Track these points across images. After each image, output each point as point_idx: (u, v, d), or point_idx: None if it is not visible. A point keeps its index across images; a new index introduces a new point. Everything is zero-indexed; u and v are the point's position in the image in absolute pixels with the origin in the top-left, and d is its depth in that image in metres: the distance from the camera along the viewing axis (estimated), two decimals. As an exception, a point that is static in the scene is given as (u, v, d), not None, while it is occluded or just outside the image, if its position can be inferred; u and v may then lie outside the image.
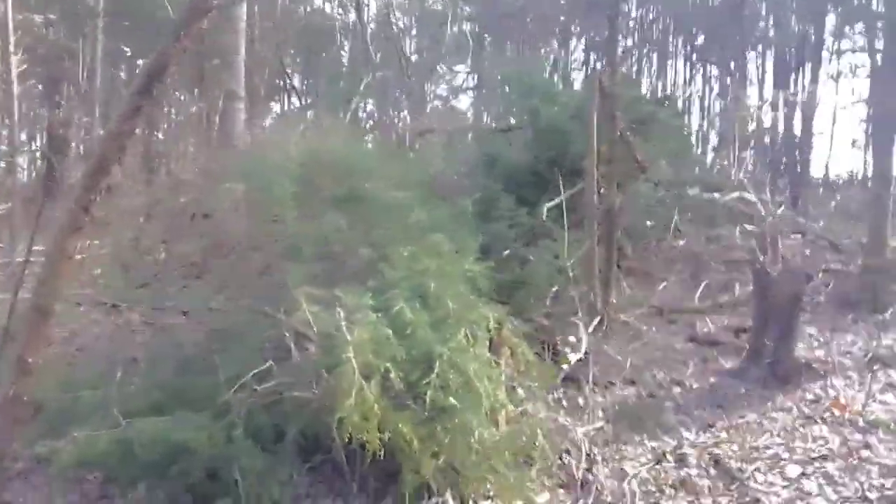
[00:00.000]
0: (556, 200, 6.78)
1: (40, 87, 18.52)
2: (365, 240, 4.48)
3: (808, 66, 14.65)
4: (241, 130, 9.63)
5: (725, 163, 7.49)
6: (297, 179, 4.70)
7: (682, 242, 7.68)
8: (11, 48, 11.38)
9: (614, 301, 6.36)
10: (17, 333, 3.53)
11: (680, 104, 14.75)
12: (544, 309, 6.31)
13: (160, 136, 14.95)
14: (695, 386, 5.16)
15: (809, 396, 4.81)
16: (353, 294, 3.63)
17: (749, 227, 5.51)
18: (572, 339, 5.45)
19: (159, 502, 3.26)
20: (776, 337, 5.03)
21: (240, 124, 9.66)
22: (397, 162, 5.98)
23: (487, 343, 4.04)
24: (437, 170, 7.06)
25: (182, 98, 16.02)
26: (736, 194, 6.36)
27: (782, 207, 5.78)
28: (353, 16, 17.15)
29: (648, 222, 7.04)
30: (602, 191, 6.29)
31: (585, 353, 5.45)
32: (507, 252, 6.12)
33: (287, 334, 3.43)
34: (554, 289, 6.44)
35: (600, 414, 4.70)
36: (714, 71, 18.40)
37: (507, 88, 8.30)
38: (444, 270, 4.07)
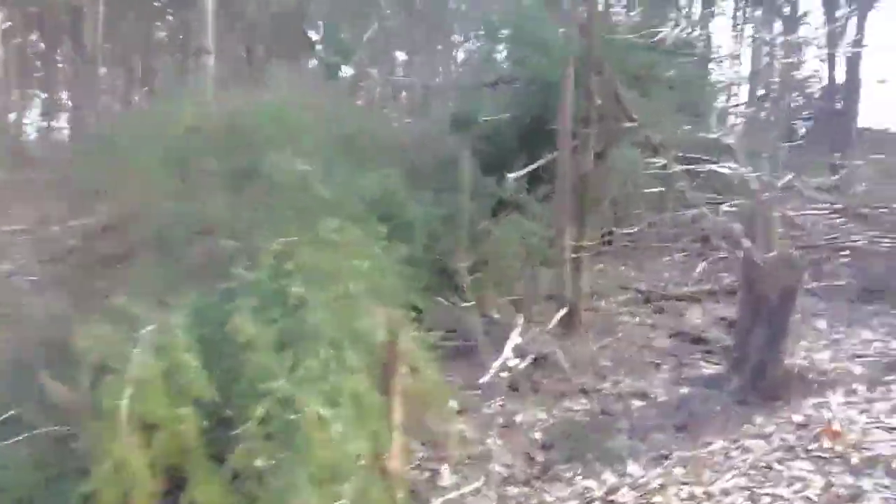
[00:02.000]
0: (529, 168, 5.89)
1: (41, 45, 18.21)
2: (247, 225, 3.74)
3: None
4: (209, 88, 8.90)
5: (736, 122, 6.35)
6: (177, 150, 3.97)
7: (685, 216, 6.66)
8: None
9: (586, 287, 5.48)
10: None
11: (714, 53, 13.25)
12: (507, 298, 5.55)
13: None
14: (661, 399, 4.30)
15: (797, 418, 3.89)
16: (182, 301, 2.91)
17: (731, 204, 4.57)
18: (517, 337, 4.64)
19: None
20: (763, 340, 4.11)
21: (209, 81, 8.92)
22: (326, 125, 5.13)
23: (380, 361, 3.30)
24: (392, 132, 6.20)
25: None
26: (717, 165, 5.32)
27: (786, 178, 4.73)
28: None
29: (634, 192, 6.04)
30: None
31: (536, 356, 4.68)
32: (458, 232, 5.31)
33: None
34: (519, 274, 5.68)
35: (537, 437, 3.92)
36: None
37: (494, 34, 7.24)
38: (332, 266, 3.30)
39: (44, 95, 20.31)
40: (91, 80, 16.23)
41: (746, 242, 4.11)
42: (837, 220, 7.01)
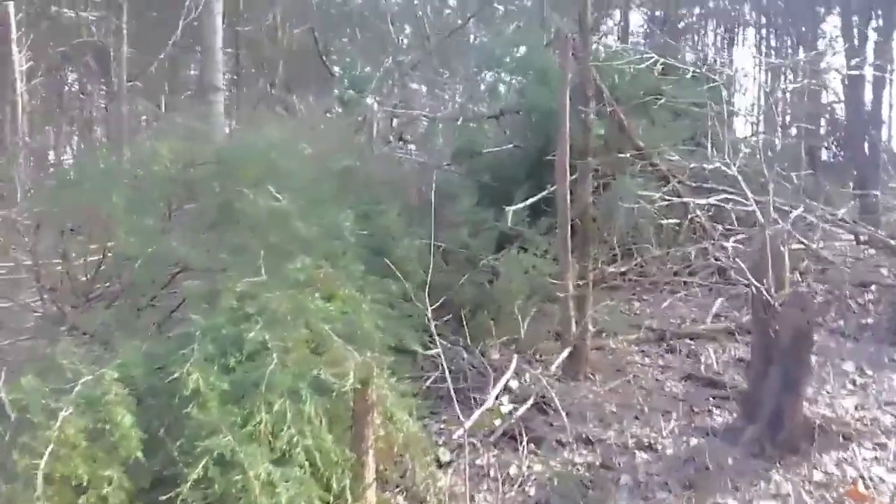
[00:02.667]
0: (529, 201, 5.64)
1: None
2: (218, 265, 3.53)
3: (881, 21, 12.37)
4: (221, 126, 8.86)
5: (748, 149, 6.00)
6: (153, 188, 3.80)
7: (699, 249, 6.30)
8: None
9: (593, 325, 5.15)
10: None
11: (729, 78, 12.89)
12: (505, 337, 5.24)
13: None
14: (669, 451, 3.93)
15: (818, 476, 3.52)
16: (130, 349, 2.69)
17: (735, 239, 4.21)
18: (512, 379, 4.33)
19: None
20: (778, 386, 3.75)
21: (220, 118, 8.88)
22: (317, 161, 4.93)
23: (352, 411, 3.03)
24: (391, 165, 6.00)
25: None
26: (721, 196, 4.97)
27: (797, 211, 4.37)
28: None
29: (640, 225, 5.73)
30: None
31: (536, 400, 4.36)
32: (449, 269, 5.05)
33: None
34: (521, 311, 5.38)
35: (531, 493, 3.59)
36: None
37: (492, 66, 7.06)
38: (296, 308, 3.06)
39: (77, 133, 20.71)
40: (118, 116, 16.49)
41: (755, 280, 3.77)
42: (864, 253, 6.59)
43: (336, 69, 17.29)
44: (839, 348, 5.03)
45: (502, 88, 7.04)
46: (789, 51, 15.65)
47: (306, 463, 2.61)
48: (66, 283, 3.75)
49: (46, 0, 15.07)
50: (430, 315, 3.31)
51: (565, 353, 4.91)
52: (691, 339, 5.66)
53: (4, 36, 10.35)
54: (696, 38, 22.89)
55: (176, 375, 2.55)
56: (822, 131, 11.94)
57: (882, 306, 5.69)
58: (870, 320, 5.49)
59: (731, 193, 5.03)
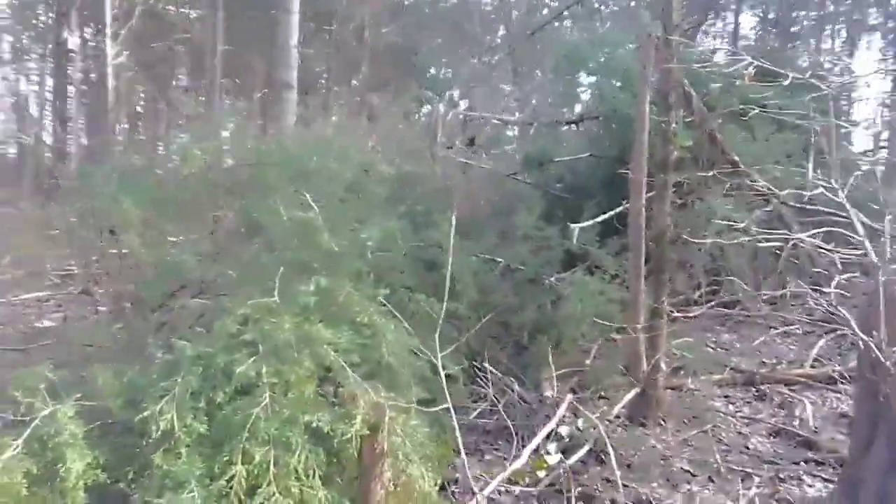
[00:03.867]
0: (600, 218, 5.04)
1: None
2: (231, 282, 3.20)
3: None
4: (292, 123, 8.73)
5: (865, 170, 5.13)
6: (174, 194, 3.53)
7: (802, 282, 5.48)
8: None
9: (668, 363, 4.51)
10: None
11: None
12: (565, 369, 4.69)
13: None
14: (744, 528, 3.29)
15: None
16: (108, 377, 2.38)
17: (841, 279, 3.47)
18: (561, 426, 3.79)
19: None
20: (886, 465, 3.02)
21: (291, 117, 8.76)
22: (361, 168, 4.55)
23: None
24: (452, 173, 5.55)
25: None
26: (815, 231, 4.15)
27: None
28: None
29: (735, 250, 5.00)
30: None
31: (591, 448, 3.80)
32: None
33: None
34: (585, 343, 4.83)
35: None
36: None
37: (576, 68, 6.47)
38: (300, 337, 2.69)
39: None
40: (209, 113, 16.98)
41: (862, 331, 3.07)
42: None
43: (431, 69, 17.11)
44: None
45: (583, 93, 6.46)
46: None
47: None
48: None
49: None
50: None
51: (631, 395, 4.31)
52: (787, 384, 4.90)
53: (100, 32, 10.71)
54: (813, 42, 21.25)
55: (146, 413, 2.21)
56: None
57: None
58: None
59: (838, 221, 4.25)
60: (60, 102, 14.55)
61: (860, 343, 3.08)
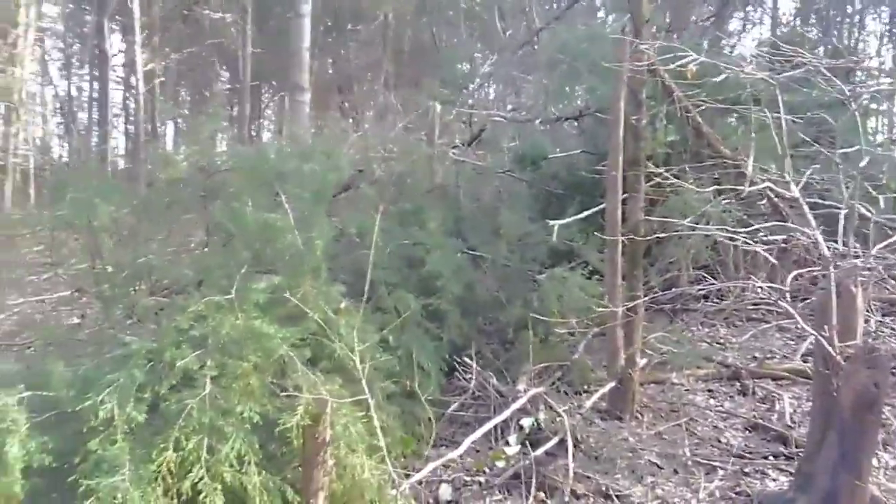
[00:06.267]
0: (582, 214, 5.06)
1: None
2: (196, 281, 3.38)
3: None
4: (306, 125, 8.95)
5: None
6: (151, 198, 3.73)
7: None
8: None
9: (638, 357, 4.51)
10: None
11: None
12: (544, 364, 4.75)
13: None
14: (699, 522, 3.32)
15: (881, 579, 2.79)
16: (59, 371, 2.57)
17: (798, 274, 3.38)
18: (524, 419, 3.86)
19: None
20: (835, 459, 3.02)
21: (304, 119, 8.97)
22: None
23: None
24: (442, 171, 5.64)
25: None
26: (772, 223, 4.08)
27: (880, 246, 3.42)
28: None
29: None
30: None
31: (563, 439, 3.86)
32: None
33: None
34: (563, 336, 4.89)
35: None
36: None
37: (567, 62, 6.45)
38: (249, 333, 2.84)
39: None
40: (241, 116, 17.45)
41: (818, 325, 3.07)
42: None
43: (460, 66, 17.15)
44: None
45: (581, 88, 6.46)
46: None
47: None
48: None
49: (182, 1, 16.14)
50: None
51: (605, 389, 4.36)
52: (774, 379, 4.87)
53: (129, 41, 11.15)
54: (849, 31, 20.51)
55: (88, 403, 2.40)
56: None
57: None
58: None
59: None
60: (101, 108, 15.17)
61: (816, 337, 3.08)
